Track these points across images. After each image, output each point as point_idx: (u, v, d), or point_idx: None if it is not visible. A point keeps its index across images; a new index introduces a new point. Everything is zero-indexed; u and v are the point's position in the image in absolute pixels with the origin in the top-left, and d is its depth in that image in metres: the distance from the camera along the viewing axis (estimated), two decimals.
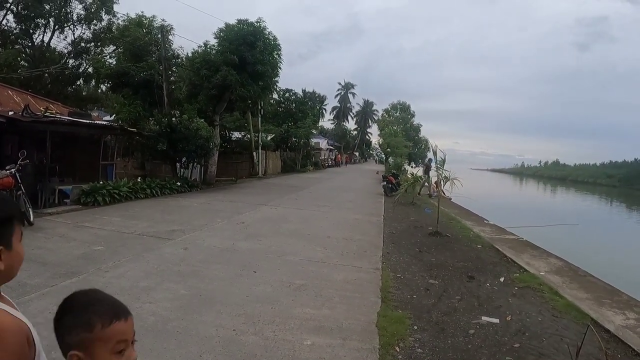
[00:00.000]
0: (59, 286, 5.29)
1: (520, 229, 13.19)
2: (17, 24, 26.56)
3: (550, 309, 5.64)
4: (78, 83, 31.54)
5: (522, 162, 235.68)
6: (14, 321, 1.12)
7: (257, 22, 19.71)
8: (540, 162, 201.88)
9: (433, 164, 12.67)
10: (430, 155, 12.10)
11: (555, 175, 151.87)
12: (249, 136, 28.78)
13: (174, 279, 5.86)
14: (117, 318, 1.15)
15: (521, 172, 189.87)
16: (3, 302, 1.16)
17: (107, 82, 21.17)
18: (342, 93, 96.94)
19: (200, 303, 5.01)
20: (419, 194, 18.23)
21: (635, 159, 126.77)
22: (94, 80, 29.20)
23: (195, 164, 19.05)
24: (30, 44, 27.86)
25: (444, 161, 11.54)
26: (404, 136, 47.62)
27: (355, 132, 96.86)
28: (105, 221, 9.66)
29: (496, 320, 5.10)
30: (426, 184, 19.12)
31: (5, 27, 26.33)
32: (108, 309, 1.16)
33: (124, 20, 22.22)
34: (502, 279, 6.95)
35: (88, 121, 14.00)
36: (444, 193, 14.37)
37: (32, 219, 8.83)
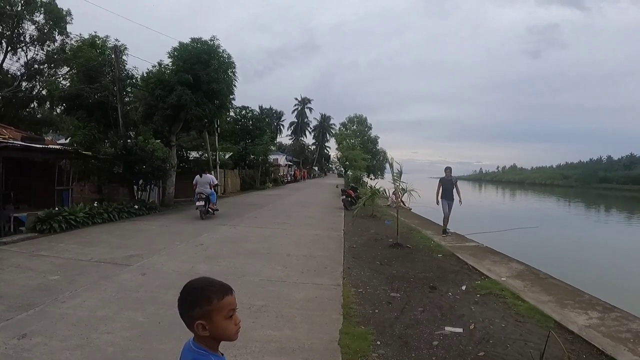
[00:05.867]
0: (15, 319, 4.96)
1: (481, 235, 13.37)
2: None
3: (514, 314, 5.66)
4: (32, 106, 30.51)
5: (481, 169, 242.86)
6: None
7: (211, 40, 19.43)
8: (498, 167, 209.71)
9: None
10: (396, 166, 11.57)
11: (513, 179, 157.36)
12: (206, 155, 28.39)
13: (133, 306, 5.57)
14: (226, 293, 1.54)
15: (480, 178, 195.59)
16: None
17: (61, 105, 20.47)
18: (299, 108, 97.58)
19: (159, 330, 4.75)
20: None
21: (591, 159, 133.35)
22: (48, 103, 28.30)
23: (152, 185, 18.55)
24: None
25: (400, 173, 11.55)
26: (362, 149, 47.94)
27: (314, 147, 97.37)
28: (61, 249, 9.20)
29: (460, 330, 5.05)
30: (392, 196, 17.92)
31: None
32: (220, 287, 1.55)
33: (77, 41, 21.56)
34: (464, 287, 6.95)
35: (41, 146, 13.52)
36: (403, 204, 14.42)
37: None
